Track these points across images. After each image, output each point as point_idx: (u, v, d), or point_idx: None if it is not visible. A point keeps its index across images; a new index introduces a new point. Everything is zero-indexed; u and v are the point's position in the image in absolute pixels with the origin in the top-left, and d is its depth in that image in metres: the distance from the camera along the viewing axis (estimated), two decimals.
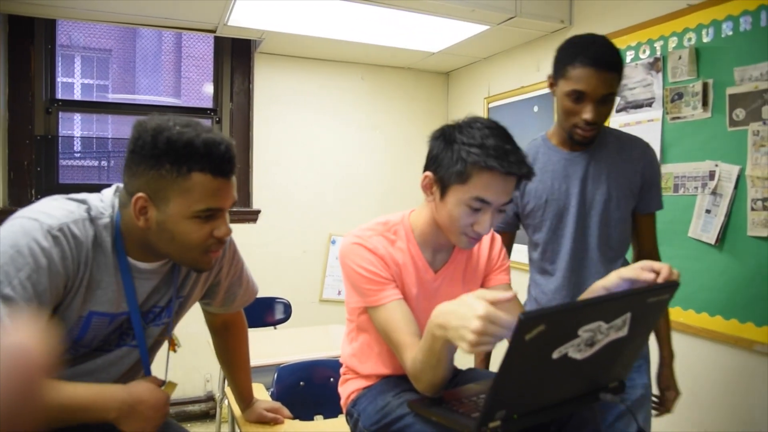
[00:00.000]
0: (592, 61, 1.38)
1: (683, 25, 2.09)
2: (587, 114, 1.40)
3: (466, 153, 1.13)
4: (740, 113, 1.89)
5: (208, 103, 3.41)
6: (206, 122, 3.30)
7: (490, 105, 3.27)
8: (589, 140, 1.48)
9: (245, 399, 1.56)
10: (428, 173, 1.21)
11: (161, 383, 1.15)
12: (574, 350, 0.88)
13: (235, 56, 3.33)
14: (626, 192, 1.53)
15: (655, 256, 1.61)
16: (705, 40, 2.02)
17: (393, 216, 1.32)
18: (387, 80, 3.66)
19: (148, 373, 1.21)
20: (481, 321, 0.87)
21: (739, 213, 1.88)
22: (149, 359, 1.23)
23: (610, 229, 1.53)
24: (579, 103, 1.41)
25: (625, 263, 1.59)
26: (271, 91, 3.37)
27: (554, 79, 1.49)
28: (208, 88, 3.45)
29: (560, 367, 0.89)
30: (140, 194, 1.03)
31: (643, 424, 1.57)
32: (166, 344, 1.28)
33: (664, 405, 1.62)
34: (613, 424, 1.52)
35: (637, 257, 1.64)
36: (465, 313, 0.91)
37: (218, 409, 2.61)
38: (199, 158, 1.00)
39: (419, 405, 1.11)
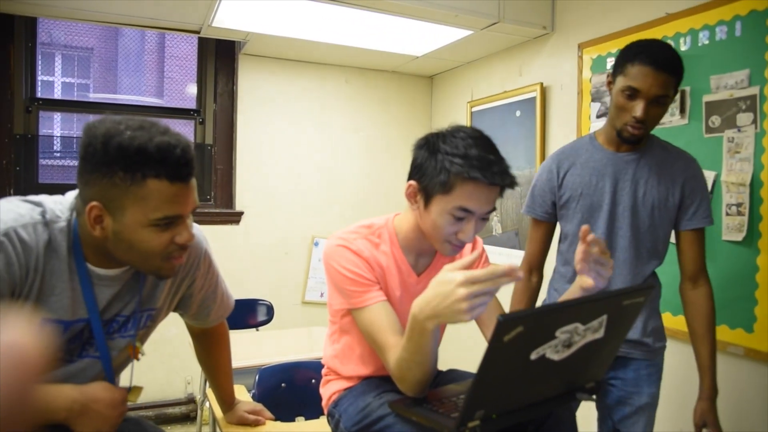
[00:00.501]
0: (651, 60, 1.41)
1: (662, 33, 2.14)
2: (638, 111, 1.43)
3: (450, 163, 1.14)
4: (716, 120, 1.94)
5: (191, 104, 3.39)
6: (189, 129, 3.29)
7: (474, 109, 3.30)
8: (637, 139, 1.50)
9: (227, 401, 1.55)
10: (412, 182, 1.22)
11: (126, 390, 1.12)
12: (552, 351, 0.90)
13: (219, 57, 3.32)
14: (663, 202, 1.53)
15: (699, 277, 1.58)
16: (683, 48, 2.06)
17: (377, 219, 1.33)
18: (371, 83, 3.67)
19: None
20: (464, 287, 0.89)
21: (715, 218, 1.91)
22: (114, 372, 1.18)
23: (641, 234, 1.54)
24: (632, 100, 1.44)
25: (654, 275, 1.62)
26: (255, 93, 3.37)
27: (612, 77, 1.52)
28: (191, 89, 3.43)
29: (538, 368, 0.91)
30: (94, 203, 0.98)
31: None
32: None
33: None
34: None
35: (682, 276, 1.61)
36: (445, 290, 0.93)
37: (199, 411, 2.59)
38: (153, 164, 0.95)
39: (400, 405, 1.12)
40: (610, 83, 1.53)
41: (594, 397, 1.06)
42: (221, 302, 1.37)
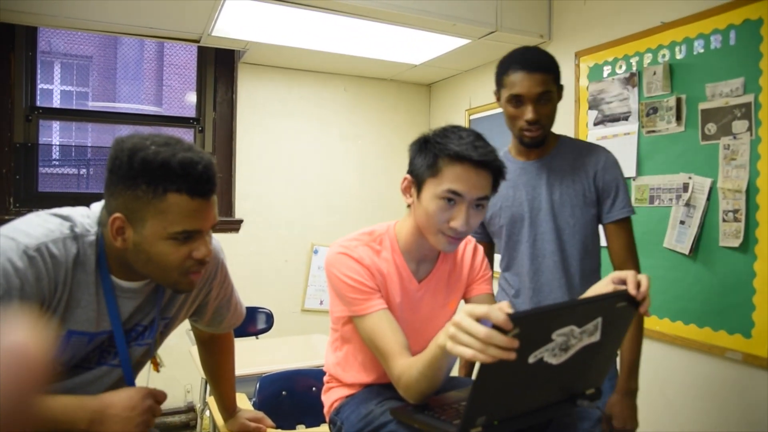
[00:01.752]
0: (522, 65, 1.50)
1: (657, 42, 2.16)
2: (528, 114, 1.50)
3: (438, 148, 1.19)
4: (712, 128, 1.96)
5: (190, 112, 3.40)
6: (188, 137, 3.31)
7: (472, 117, 3.32)
8: (538, 141, 1.55)
9: (228, 409, 1.56)
10: (407, 175, 1.27)
11: (146, 389, 1.13)
12: (550, 355, 0.90)
13: (219, 66, 3.33)
14: (580, 199, 1.56)
15: (627, 268, 1.54)
16: (678, 56, 2.09)
17: (378, 226, 1.34)
18: (370, 92, 3.69)
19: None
20: (453, 326, 0.89)
21: (712, 224, 1.94)
22: (133, 379, 1.20)
23: (565, 236, 1.56)
24: (519, 106, 1.51)
25: (595, 274, 1.61)
26: (255, 101, 3.38)
27: (498, 93, 1.60)
28: (191, 97, 3.44)
29: (537, 373, 0.91)
30: (117, 214, 1.00)
31: None
32: (148, 364, 1.26)
33: None
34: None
35: (614, 269, 1.62)
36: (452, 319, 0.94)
37: (199, 420, 2.58)
38: (175, 179, 0.98)
39: (402, 413, 1.12)
40: (498, 99, 1.60)
41: (594, 404, 1.07)
42: (234, 310, 1.40)
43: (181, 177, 0.98)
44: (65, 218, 1.05)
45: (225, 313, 1.37)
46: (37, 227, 1.00)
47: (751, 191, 1.83)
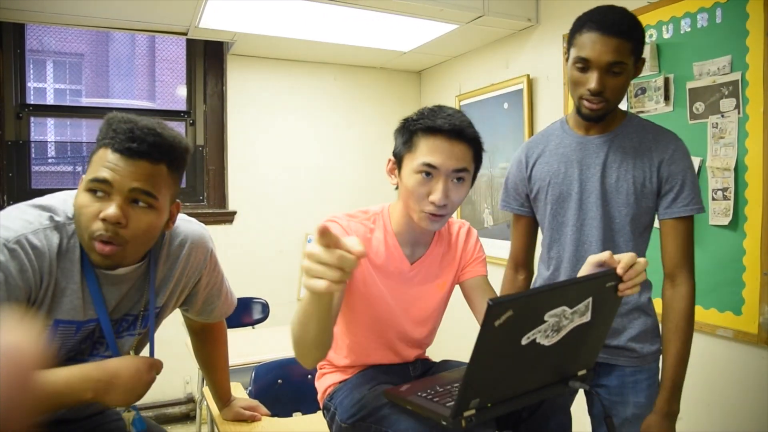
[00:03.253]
0: (598, 25, 1.29)
1: (644, 22, 2.15)
2: (592, 83, 1.30)
3: (413, 124, 1.21)
4: (700, 107, 1.96)
5: (182, 106, 3.40)
6: (180, 131, 3.29)
7: (462, 102, 3.31)
8: (598, 115, 1.35)
9: (223, 398, 1.57)
10: (390, 157, 1.28)
11: (148, 358, 1.14)
12: (542, 336, 0.91)
13: (208, 58, 3.32)
14: (638, 187, 1.37)
15: (678, 273, 1.37)
16: (665, 36, 2.08)
17: (374, 207, 1.35)
18: (359, 80, 3.68)
19: None
20: (305, 259, 0.80)
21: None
22: None
23: (615, 225, 1.39)
24: (585, 72, 1.32)
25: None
26: (245, 93, 3.38)
27: (567, 52, 1.41)
28: (182, 91, 3.44)
29: (530, 354, 0.92)
30: (83, 176, 1.06)
31: None
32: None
33: None
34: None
35: (663, 273, 1.40)
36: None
37: (198, 411, 2.61)
38: (110, 133, 1.01)
39: (396, 395, 1.13)
40: (566, 58, 1.40)
41: (586, 384, 1.07)
42: (225, 299, 1.40)
43: (113, 131, 1.02)
44: (44, 209, 1.05)
45: (216, 301, 1.37)
46: (16, 220, 1.01)
47: (739, 169, 1.84)
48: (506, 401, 0.98)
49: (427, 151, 1.18)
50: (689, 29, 2.00)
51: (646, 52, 2.12)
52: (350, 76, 3.65)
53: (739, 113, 1.84)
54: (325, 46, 3.14)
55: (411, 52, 3.28)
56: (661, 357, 1.41)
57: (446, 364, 1.43)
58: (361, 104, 3.69)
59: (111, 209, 0.99)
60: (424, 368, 1.41)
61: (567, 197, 1.44)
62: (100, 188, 1.00)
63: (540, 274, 1.56)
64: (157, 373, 1.12)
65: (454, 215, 1.67)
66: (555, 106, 2.61)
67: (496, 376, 0.93)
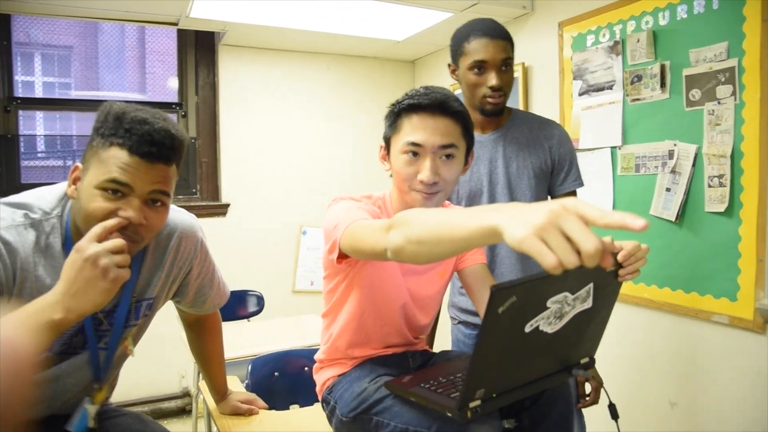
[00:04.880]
0: (484, 32, 1.51)
1: (641, 9, 2.14)
2: (492, 80, 1.50)
3: (397, 105, 1.22)
4: (696, 94, 1.95)
5: (174, 98, 3.36)
6: (173, 116, 3.26)
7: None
8: (500, 108, 1.55)
9: (219, 392, 1.56)
10: (381, 144, 1.29)
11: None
12: (545, 323, 0.90)
13: (199, 49, 3.28)
14: (537, 172, 1.58)
15: None
16: (661, 23, 2.06)
17: (376, 192, 1.34)
18: (353, 70, 3.65)
19: (98, 378, 1.16)
20: (550, 214, 0.64)
21: (697, 190, 1.94)
22: (115, 364, 1.19)
23: None
24: (482, 73, 1.52)
25: None
26: (237, 84, 3.34)
27: (455, 64, 1.59)
28: (173, 83, 3.40)
29: (533, 342, 0.90)
30: (77, 164, 1.04)
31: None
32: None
33: (590, 396, 1.55)
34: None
35: None
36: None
37: (194, 405, 2.59)
38: (122, 133, 0.99)
39: (398, 386, 1.12)
40: (454, 71, 1.58)
41: (589, 372, 1.06)
42: (218, 290, 1.39)
43: (127, 132, 0.99)
44: (19, 206, 1.04)
45: (208, 292, 1.36)
46: None
47: (735, 156, 1.83)
48: (511, 391, 0.97)
49: (411, 129, 1.18)
50: (686, 15, 1.98)
51: (644, 39, 2.11)
52: (344, 66, 3.62)
53: (735, 100, 1.83)
54: (318, 35, 3.10)
55: (405, 41, 3.25)
56: None
57: (447, 354, 1.42)
58: (355, 94, 3.65)
59: (133, 213, 0.99)
60: (424, 359, 1.40)
61: (478, 192, 1.60)
62: (117, 188, 0.99)
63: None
64: (120, 249, 0.96)
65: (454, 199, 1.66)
66: (551, 93, 2.60)
67: (500, 365, 0.92)
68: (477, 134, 1.59)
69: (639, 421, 2.16)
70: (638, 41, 2.13)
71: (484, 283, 1.34)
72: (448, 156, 1.19)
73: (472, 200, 1.61)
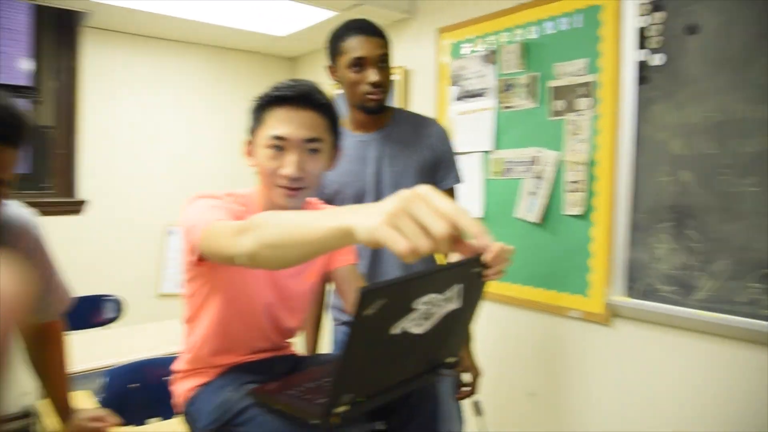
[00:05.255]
0: (361, 30, 1.52)
1: (514, 22, 2.26)
2: (373, 76, 1.50)
3: (261, 99, 1.18)
4: (559, 104, 2.09)
5: (28, 81, 2.99)
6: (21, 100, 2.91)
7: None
8: (381, 105, 1.56)
9: (63, 411, 1.39)
10: (247, 139, 1.24)
11: None
12: (414, 325, 0.88)
13: (60, 30, 2.96)
14: (421, 169, 1.60)
15: None
16: (532, 36, 2.19)
17: (240, 190, 1.27)
18: (232, 64, 3.50)
19: None
20: (401, 202, 0.66)
21: (557, 195, 2.08)
22: None
23: None
24: (361, 70, 1.51)
25: None
26: (102, 71, 3.06)
27: (333, 63, 1.58)
28: (27, 65, 3.03)
29: (402, 344, 0.89)
30: None
31: (451, 399, 1.61)
32: None
33: (470, 387, 1.63)
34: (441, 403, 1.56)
35: None
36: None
37: (36, 426, 2.32)
38: None
39: (262, 394, 1.06)
40: (333, 72, 1.59)
41: (455, 372, 1.07)
42: (59, 295, 1.26)
43: None
44: None
45: (47, 297, 1.22)
46: None
47: (591, 164, 1.98)
48: (379, 394, 0.95)
49: (275, 123, 1.13)
50: (554, 31, 2.12)
51: (515, 51, 2.22)
52: (220, 60, 3.46)
53: (592, 112, 1.98)
54: (193, 24, 2.93)
55: (287, 37, 3.18)
56: None
57: (317, 359, 1.38)
58: (230, 90, 3.50)
59: None
60: (293, 364, 1.35)
61: (364, 192, 1.60)
62: None
63: None
64: None
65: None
66: (428, 97, 2.66)
67: (368, 368, 0.90)
68: (362, 134, 1.61)
69: (501, 412, 2.28)
70: (510, 52, 2.24)
71: (351, 285, 1.32)
72: (313, 150, 1.15)
73: (358, 200, 1.60)
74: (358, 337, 0.80)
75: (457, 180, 1.69)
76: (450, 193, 1.67)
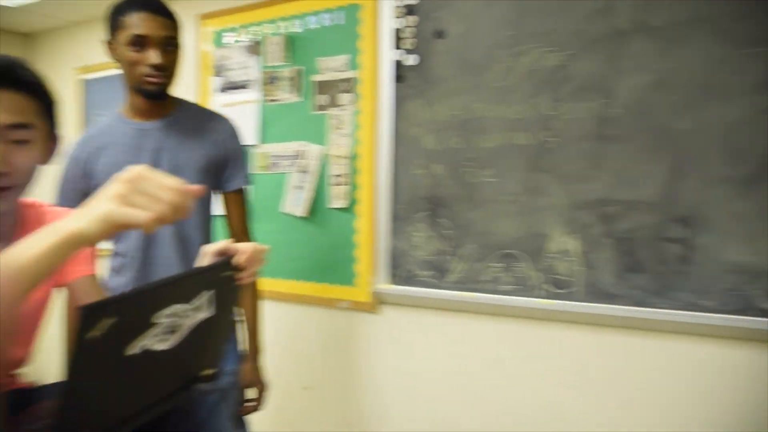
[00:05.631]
0: (145, 7, 1.37)
1: (277, 14, 2.22)
2: (154, 58, 1.36)
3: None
4: (323, 99, 2.10)
5: None
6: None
7: (86, 77, 2.88)
8: (162, 90, 1.42)
9: None
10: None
11: None
12: (156, 341, 0.75)
13: None
14: (203, 165, 1.48)
15: (244, 237, 1.58)
16: (296, 30, 2.17)
17: None
18: None
19: None
20: (126, 182, 0.69)
21: (323, 188, 2.10)
22: None
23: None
24: (142, 49, 1.37)
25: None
26: None
27: (112, 38, 1.41)
28: None
29: (143, 364, 0.75)
30: None
31: (234, 412, 1.54)
32: None
33: (255, 401, 1.60)
34: (207, 419, 1.44)
35: (230, 237, 1.58)
36: None
37: None
38: None
39: None
40: (111, 47, 1.42)
41: (213, 384, 0.97)
42: None
43: None
44: None
45: None
46: None
47: (353, 158, 2.04)
48: (120, 425, 0.79)
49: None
50: (318, 26, 2.13)
51: (279, 43, 2.18)
52: None
53: (354, 107, 2.03)
54: None
55: (19, 9, 2.69)
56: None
57: (53, 389, 1.14)
58: None
59: None
60: (20, 399, 1.09)
61: None
62: None
63: (109, 269, 1.51)
64: None
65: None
66: (189, 88, 2.48)
67: (102, 398, 0.74)
68: (139, 122, 1.46)
69: (277, 410, 2.22)
70: (274, 44, 2.20)
71: (89, 298, 1.12)
72: (20, 141, 0.93)
73: None
74: (82, 364, 0.65)
75: (246, 182, 1.58)
76: (238, 194, 1.57)
